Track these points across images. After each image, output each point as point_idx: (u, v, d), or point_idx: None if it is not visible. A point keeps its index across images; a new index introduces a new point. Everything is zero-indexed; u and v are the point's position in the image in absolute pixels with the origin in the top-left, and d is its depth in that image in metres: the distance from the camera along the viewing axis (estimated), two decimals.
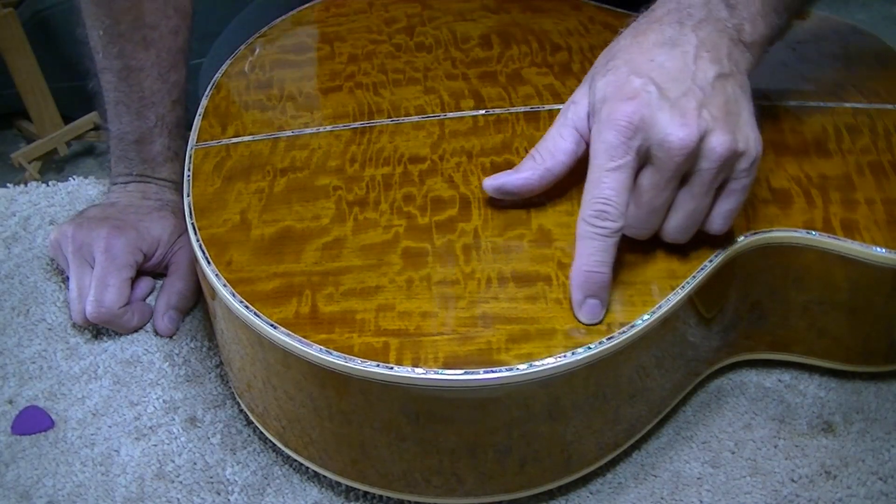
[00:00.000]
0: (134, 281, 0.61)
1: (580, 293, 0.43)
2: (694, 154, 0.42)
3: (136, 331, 0.61)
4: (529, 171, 0.48)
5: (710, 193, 0.44)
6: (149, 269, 0.63)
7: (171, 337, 0.61)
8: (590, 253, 0.43)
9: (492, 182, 0.49)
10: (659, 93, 0.42)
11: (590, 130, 0.45)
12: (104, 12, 0.61)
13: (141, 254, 0.61)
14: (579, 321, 0.44)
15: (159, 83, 0.63)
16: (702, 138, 0.42)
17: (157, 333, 0.61)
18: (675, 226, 0.45)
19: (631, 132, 0.42)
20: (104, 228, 0.60)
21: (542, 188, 0.48)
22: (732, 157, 0.43)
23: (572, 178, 0.52)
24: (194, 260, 0.51)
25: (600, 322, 0.44)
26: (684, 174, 0.43)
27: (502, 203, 0.50)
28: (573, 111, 0.46)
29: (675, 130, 0.41)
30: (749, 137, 0.43)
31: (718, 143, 0.42)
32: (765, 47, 0.48)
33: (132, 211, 0.63)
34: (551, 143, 0.47)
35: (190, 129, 0.64)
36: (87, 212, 0.63)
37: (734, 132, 0.43)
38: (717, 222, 0.45)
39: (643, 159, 0.43)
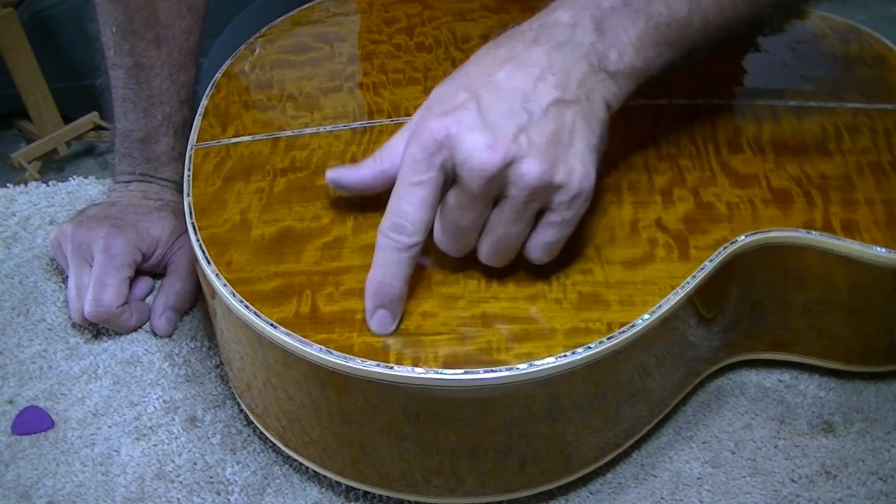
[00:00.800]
0: (133, 281, 0.61)
1: (371, 302, 0.43)
2: (498, 179, 0.40)
3: (134, 330, 0.61)
4: (367, 170, 0.48)
5: (522, 221, 0.42)
6: (148, 269, 0.63)
7: (169, 337, 0.61)
8: (384, 264, 0.42)
9: (330, 173, 0.49)
10: (478, 111, 0.41)
11: None
12: (119, 9, 0.62)
13: (140, 253, 0.61)
14: (370, 330, 0.43)
15: (168, 82, 0.64)
16: (510, 164, 0.40)
17: (155, 333, 0.61)
18: (487, 250, 0.44)
19: (434, 148, 0.40)
20: (103, 228, 0.60)
21: (377, 188, 0.48)
22: (545, 188, 0.41)
23: None
24: (194, 260, 0.51)
25: (390, 333, 0.43)
26: (495, 197, 0.42)
27: None
28: (417, 113, 0.46)
29: (478, 153, 0.40)
30: (574, 171, 0.41)
31: (529, 170, 0.40)
32: (639, 79, 0.45)
33: (132, 210, 0.63)
34: (393, 145, 0.47)
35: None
36: (88, 211, 0.64)
37: (553, 162, 0.41)
38: (535, 253, 0.44)
39: (451, 176, 0.41)
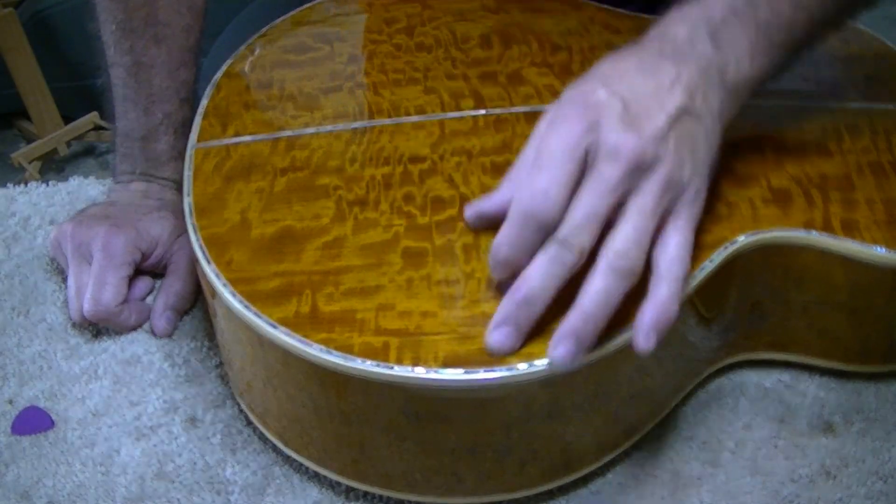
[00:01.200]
0: (133, 280, 0.61)
1: (493, 261, 0.43)
2: (639, 168, 0.41)
3: (133, 330, 0.61)
4: (507, 193, 0.46)
5: (656, 216, 0.42)
6: (147, 269, 0.63)
7: (169, 337, 0.61)
8: (511, 236, 0.41)
9: (470, 210, 0.48)
10: (623, 106, 0.42)
11: None
12: (118, 7, 0.62)
13: (139, 252, 0.61)
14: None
15: (168, 80, 0.64)
16: (651, 156, 0.41)
17: (154, 334, 0.61)
18: (618, 248, 0.41)
19: (584, 130, 0.41)
20: (103, 226, 0.60)
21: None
22: (678, 184, 0.42)
23: None
24: (194, 260, 0.51)
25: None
26: (626, 193, 0.41)
27: None
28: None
29: (627, 139, 0.41)
30: (697, 175, 0.43)
31: (668, 163, 0.41)
32: (752, 88, 0.47)
33: (132, 210, 0.63)
34: (522, 170, 0.46)
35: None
36: (88, 210, 0.64)
37: (683, 162, 0.42)
38: (672, 254, 0.42)
39: (588, 166, 0.41)
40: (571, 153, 0.41)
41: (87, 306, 0.58)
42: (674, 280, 0.41)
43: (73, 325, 0.62)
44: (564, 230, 0.41)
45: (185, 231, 0.54)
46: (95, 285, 0.58)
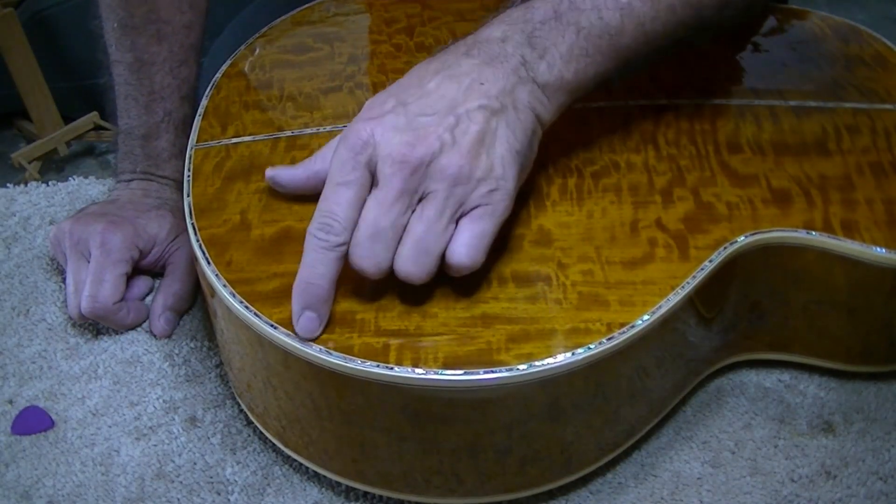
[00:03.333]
0: (131, 279, 0.61)
1: (298, 304, 0.43)
2: (419, 172, 0.41)
3: (131, 328, 0.61)
4: (301, 170, 0.50)
5: (443, 220, 0.42)
6: (146, 268, 0.63)
7: (167, 338, 0.61)
8: (312, 265, 0.43)
9: (269, 171, 0.50)
10: (405, 115, 0.43)
11: None
12: (119, 4, 0.62)
13: (137, 250, 0.61)
14: (296, 333, 0.43)
15: (170, 78, 0.64)
16: (430, 160, 0.41)
17: (153, 334, 0.61)
18: (404, 254, 0.42)
19: (359, 148, 0.42)
20: (100, 224, 0.60)
21: (309, 188, 0.49)
22: (465, 181, 0.42)
23: (573, 181, 0.52)
24: (193, 260, 0.51)
25: (316, 337, 0.43)
26: (416, 201, 0.42)
27: None
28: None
29: (399, 147, 0.41)
30: (493, 168, 0.42)
31: (450, 163, 0.41)
32: (570, 90, 0.46)
33: (131, 208, 0.63)
34: (328, 149, 0.49)
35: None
36: (87, 209, 0.64)
37: (474, 158, 0.42)
38: (459, 252, 0.42)
39: (375, 179, 0.42)
40: (353, 172, 0.42)
41: (84, 304, 0.58)
42: (456, 270, 0.43)
43: (73, 324, 0.62)
44: (352, 249, 0.42)
45: (184, 230, 0.54)
46: (93, 283, 0.58)
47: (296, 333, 0.43)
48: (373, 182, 0.42)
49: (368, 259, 0.42)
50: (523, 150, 0.44)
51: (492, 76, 0.44)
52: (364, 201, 0.42)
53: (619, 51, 0.47)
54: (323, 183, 0.44)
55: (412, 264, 0.42)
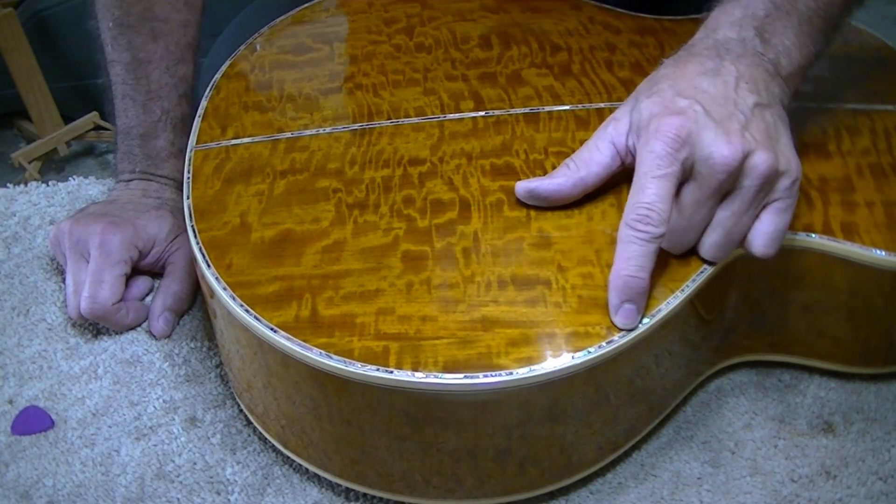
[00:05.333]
0: (131, 280, 0.61)
1: (617, 297, 0.43)
2: (736, 172, 0.43)
3: (130, 329, 0.61)
4: (563, 178, 0.49)
5: (750, 213, 0.45)
6: (145, 268, 0.63)
7: (167, 338, 0.61)
8: (630, 257, 0.43)
9: (524, 186, 0.49)
10: (705, 112, 0.44)
11: (627, 148, 0.47)
12: (115, 3, 0.62)
13: (136, 250, 0.61)
14: (615, 325, 0.44)
15: (167, 76, 0.64)
16: (745, 157, 0.43)
17: (153, 335, 0.61)
18: (713, 242, 0.46)
19: (678, 144, 0.43)
20: (100, 224, 0.60)
21: (572, 197, 0.49)
22: (774, 176, 0.44)
23: None
24: (192, 262, 0.51)
25: (635, 327, 0.44)
26: (725, 193, 0.44)
27: (502, 206, 0.50)
28: (614, 127, 0.48)
29: (720, 148, 0.43)
30: (790, 159, 0.45)
31: (761, 161, 0.43)
32: (802, 74, 0.49)
33: (130, 208, 0.63)
34: (588, 154, 0.49)
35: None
36: (87, 209, 0.64)
37: (775, 153, 0.44)
38: (757, 241, 0.45)
39: (686, 174, 0.44)
40: (671, 166, 0.43)
41: (83, 304, 0.58)
42: (751, 256, 0.46)
43: (73, 324, 0.62)
44: (668, 243, 0.45)
45: (183, 231, 0.54)
46: (92, 283, 0.58)
47: (614, 324, 0.44)
48: (682, 176, 0.44)
49: (679, 245, 0.46)
50: (792, 139, 0.46)
51: (750, 75, 0.46)
52: (674, 195, 0.44)
53: (833, 22, 0.50)
54: (587, 189, 0.48)
55: (719, 250, 0.46)
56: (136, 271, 0.62)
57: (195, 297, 0.63)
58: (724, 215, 0.45)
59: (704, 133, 0.43)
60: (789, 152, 0.45)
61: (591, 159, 0.48)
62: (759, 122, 0.44)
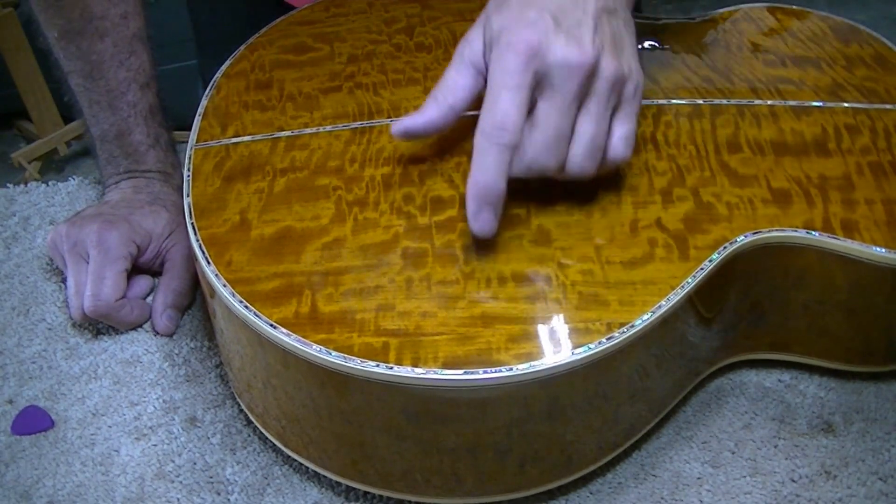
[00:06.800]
0: (132, 278, 0.61)
1: (476, 204, 0.45)
2: (590, 75, 0.44)
3: (134, 327, 0.61)
4: (432, 111, 0.49)
5: (607, 117, 0.46)
6: (145, 265, 0.63)
7: (171, 336, 0.61)
8: (487, 165, 0.44)
9: (397, 127, 0.50)
10: (554, 21, 0.44)
11: (486, 66, 0.47)
12: (54, 13, 0.62)
13: (134, 245, 0.61)
14: (472, 231, 0.45)
15: (123, 71, 0.64)
16: (596, 62, 0.44)
17: (156, 333, 0.61)
18: (580, 152, 0.46)
19: (530, 56, 0.43)
20: (96, 223, 0.60)
21: (446, 126, 0.50)
22: (621, 80, 0.45)
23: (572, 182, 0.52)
24: (190, 257, 0.51)
25: (492, 235, 0.46)
26: (580, 101, 0.45)
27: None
28: (469, 49, 0.48)
29: (572, 53, 0.43)
30: (632, 65, 0.46)
31: (608, 65, 0.44)
32: None
33: (124, 205, 0.63)
34: (451, 80, 0.49)
35: (165, 113, 0.65)
36: (82, 212, 0.64)
37: (620, 58, 0.45)
38: (619, 147, 0.47)
39: (540, 87, 0.44)
40: (523, 77, 0.44)
41: (87, 303, 0.58)
42: (612, 164, 0.48)
43: (74, 324, 0.62)
44: (531, 153, 0.45)
45: (180, 226, 0.54)
46: (94, 282, 0.58)
47: (472, 230, 0.45)
48: (533, 87, 0.44)
49: (555, 159, 0.45)
50: (636, 44, 0.48)
51: None
52: (528, 107, 0.44)
53: None
54: (457, 116, 0.49)
55: (589, 160, 0.46)
56: (136, 270, 0.62)
57: (195, 292, 0.63)
58: (585, 122, 0.45)
59: (555, 41, 0.44)
60: (632, 59, 0.46)
61: (455, 86, 0.48)
62: (606, 27, 0.45)
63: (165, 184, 0.66)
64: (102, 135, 0.65)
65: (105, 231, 0.60)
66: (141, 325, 0.62)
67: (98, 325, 0.61)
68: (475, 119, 0.56)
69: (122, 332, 0.61)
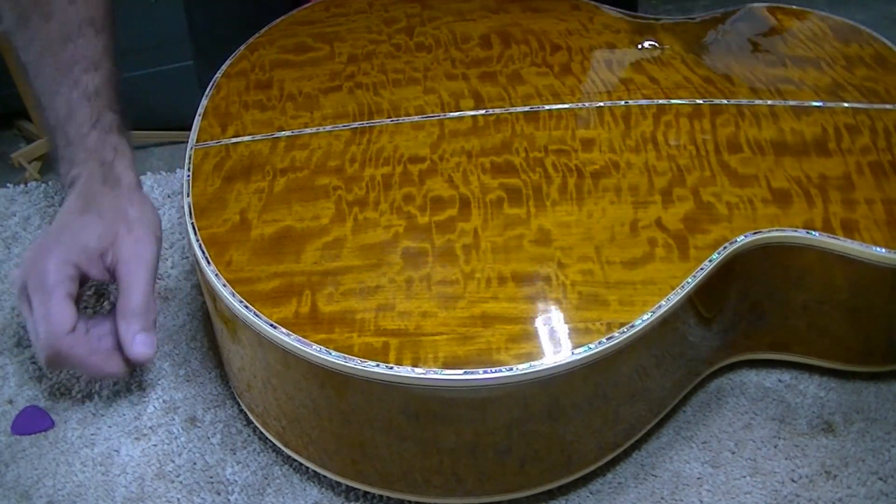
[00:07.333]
0: (94, 320, 0.54)
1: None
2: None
3: (109, 371, 0.53)
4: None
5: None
6: (99, 281, 0.57)
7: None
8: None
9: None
10: None
11: None
12: (7, 5, 0.61)
13: (72, 266, 0.53)
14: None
15: (69, 51, 0.61)
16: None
17: (134, 367, 0.55)
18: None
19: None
20: (28, 260, 0.54)
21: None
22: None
23: (573, 181, 0.52)
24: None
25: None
26: None
27: (502, 203, 0.50)
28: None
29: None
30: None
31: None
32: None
33: (59, 223, 0.56)
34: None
35: (119, 98, 0.61)
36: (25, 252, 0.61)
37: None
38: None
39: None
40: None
41: (40, 347, 0.51)
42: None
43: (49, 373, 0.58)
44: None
45: (119, 236, 0.52)
46: (40, 320, 0.51)
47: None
48: None
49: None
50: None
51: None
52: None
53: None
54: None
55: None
56: (99, 296, 0.61)
57: (155, 301, 0.55)
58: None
59: None
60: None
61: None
62: None
63: (104, 182, 0.57)
64: (56, 123, 0.60)
65: (36, 262, 0.53)
66: (118, 366, 0.53)
67: (69, 371, 0.58)
68: (475, 120, 0.57)
69: (97, 375, 0.56)
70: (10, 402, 0.57)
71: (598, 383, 0.45)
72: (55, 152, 0.61)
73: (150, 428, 0.55)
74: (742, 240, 0.48)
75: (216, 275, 0.47)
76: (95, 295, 0.63)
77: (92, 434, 0.54)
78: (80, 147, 0.59)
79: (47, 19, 0.61)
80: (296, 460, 0.51)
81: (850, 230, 0.49)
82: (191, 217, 0.51)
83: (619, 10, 0.69)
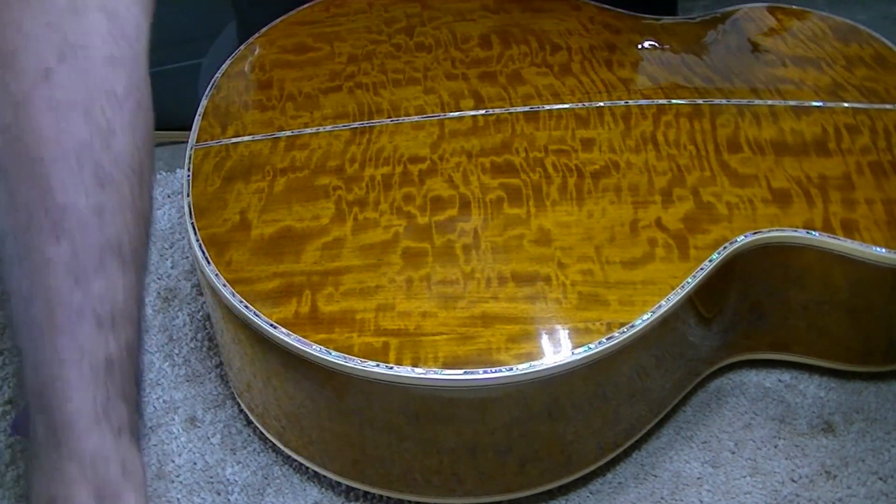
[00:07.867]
0: None
1: None
2: None
3: None
4: None
5: None
6: None
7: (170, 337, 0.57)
8: None
9: None
10: None
11: None
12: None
13: None
14: None
15: (80, 294, 0.39)
16: None
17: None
18: None
19: None
20: None
21: None
22: None
23: (573, 181, 0.52)
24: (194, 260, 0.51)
25: None
26: None
27: (502, 203, 0.50)
28: None
29: None
30: None
31: None
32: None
33: None
34: None
35: (140, 383, 0.41)
36: None
37: None
38: None
39: None
40: None
41: None
42: None
43: None
44: None
45: None
46: None
47: None
48: None
49: None
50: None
51: None
52: None
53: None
54: None
55: None
56: None
57: None
58: None
59: None
60: None
61: None
62: None
63: None
64: (38, 396, 0.40)
65: None
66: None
67: None
68: (475, 120, 0.57)
69: None
70: (10, 402, 0.57)
71: (598, 383, 0.45)
72: (33, 433, 0.40)
73: (150, 428, 0.55)
74: (742, 240, 0.48)
75: (216, 275, 0.47)
76: None
77: None
78: (71, 453, 0.39)
79: (58, 237, 0.38)
80: (296, 460, 0.51)
81: (850, 230, 0.49)
82: (191, 217, 0.51)
83: (619, 9, 0.69)
